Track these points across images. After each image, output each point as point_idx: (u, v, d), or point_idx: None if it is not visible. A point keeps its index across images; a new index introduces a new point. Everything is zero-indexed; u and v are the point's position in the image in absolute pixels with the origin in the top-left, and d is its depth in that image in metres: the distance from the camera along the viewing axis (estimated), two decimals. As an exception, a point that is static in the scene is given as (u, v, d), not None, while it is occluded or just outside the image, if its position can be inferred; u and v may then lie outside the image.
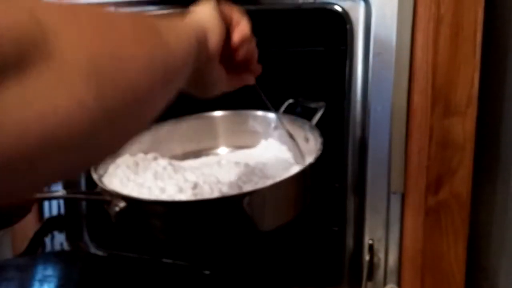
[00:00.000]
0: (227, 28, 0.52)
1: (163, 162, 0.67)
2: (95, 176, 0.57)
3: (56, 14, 0.24)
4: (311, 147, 0.64)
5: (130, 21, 0.33)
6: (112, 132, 0.28)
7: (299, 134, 0.68)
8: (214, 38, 0.48)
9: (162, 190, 0.59)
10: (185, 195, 0.57)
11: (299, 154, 0.64)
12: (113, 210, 0.51)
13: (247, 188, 0.58)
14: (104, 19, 0.29)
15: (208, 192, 0.58)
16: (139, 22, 0.34)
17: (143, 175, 0.62)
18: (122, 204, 0.51)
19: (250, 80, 0.61)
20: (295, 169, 0.63)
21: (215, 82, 0.52)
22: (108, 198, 0.52)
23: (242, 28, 0.54)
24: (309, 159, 0.59)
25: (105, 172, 0.62)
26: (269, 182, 0.58)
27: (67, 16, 0.25)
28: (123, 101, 0.28)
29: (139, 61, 0.30)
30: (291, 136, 0.67)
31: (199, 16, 0.48)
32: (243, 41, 0.54)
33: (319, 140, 0.61)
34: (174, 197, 0.57)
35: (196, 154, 0.75)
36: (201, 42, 0.45)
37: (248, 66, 0.58)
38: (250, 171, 0.63)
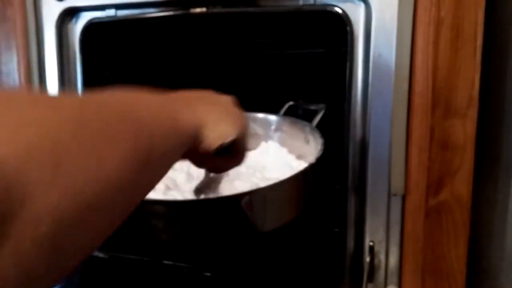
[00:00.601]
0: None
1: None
2: None
3: (31, 171, 0.22)
4: (312, 148, 0.64)
5: (123, 140, 0.29)
6: (61, 273, 0.26)
7: (299, 135, 0.69)
8: (208, 141, 0.44)
9: (164, 193, 0.59)
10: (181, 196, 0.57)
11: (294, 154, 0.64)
12: None
13: (247, 189, 0.58)
14: (92, 151, 0.26)
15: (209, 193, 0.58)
16: (130, 150, 0.30)
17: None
18: None
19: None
20: (296, 170, 0.63)
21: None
22: None
23: (237, 160, 0.51)
24: (311, 159, 0.59)
25: None
26: (269, 183, 0.59)
27: (43, 169, 0.22)
28: (80, 247, 0.26)
29: (118, 200, 0.28)
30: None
31: (202, 116, 0.44)
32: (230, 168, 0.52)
33: (320, 141, 0.62)
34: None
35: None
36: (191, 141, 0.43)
37: None
38: (250, 173, 0.63)
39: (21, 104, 0.24)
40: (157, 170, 0.35)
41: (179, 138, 0.40)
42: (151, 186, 0.35)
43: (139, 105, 0.36)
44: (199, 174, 0.64)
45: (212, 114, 0.44)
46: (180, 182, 0.63)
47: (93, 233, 0.27)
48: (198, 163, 0.49)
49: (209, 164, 0.50)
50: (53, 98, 0.28)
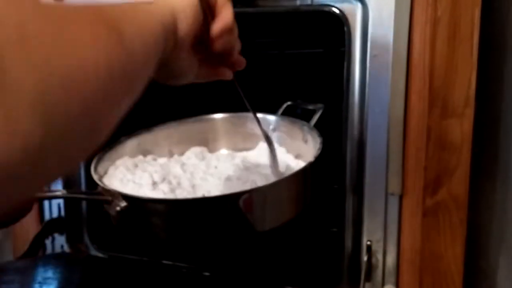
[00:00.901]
0: (207, 13, 0.47)
1: (162, 162, 0.68)
2: (95, 176, 0.57)
3: (3, 37, 0.21)
4: (310, 147, 0.64)
5: (87, 25, 0.29)
6: (63, 155, 0.26)
7: (298, 135, 0.69)
8: (185, 25, 0.43)
9: (163, 192, 0.59)
10: (182, 195, 0.57)
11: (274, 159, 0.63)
12: (114, 210, 0.51)
13: (246, 188, 0.58)
14: (58, 29, 0.25)
15: (206, 192, 0.58)
16: (98, 23, 0.30)
17: (142, 176, 0.62)
18: (123, 203, 0.51)
19: (227, 74, 0.55)
20: (294, 169, 0.63)
21: (183, 71, 0.48)
22: (109, 197, 0.52)
23: (224, 16, 0.48)
24: (309, 159, 0.59)
25: (105, 173, 0.63)
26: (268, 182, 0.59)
27: (12, 44, 0.22)
28: (76, 120, 0.26)
29: (95, 76, 0.27)
30: (268, 138, 0.66)
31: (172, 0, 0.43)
32: (223, 31, 0.48)
33: (318, 140, 0.62)
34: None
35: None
36: (169, 29, 0.41)
37: (227, 59, 0.53)
38: (249, 172, 0.64)
39: None
40: (140, 48, 0.34)
41: (155, 32, 0.38)
42: (138, 78, 0.34)
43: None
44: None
45: None
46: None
47: (85, 93, 0.26)
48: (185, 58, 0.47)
49: (195, 55, 0.48)
50: None
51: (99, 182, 0.56)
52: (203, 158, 0.72)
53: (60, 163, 0.26)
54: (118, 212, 0.51)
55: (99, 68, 0.27)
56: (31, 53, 0.23)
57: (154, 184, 0.60)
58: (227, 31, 0.48)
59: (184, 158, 0.72)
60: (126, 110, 0.34)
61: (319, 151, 0.59)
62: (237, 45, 0.52)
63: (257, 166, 0.68)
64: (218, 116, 0.79)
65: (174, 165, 0.67)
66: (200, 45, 0.47)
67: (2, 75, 0.21)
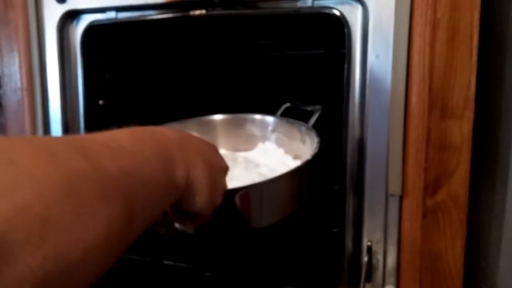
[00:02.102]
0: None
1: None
2: None
3: (19, 232, 0.22)
4: (308, 148, 0.65)
5: (108, 210, 0.29)
6: None
7: (296, 136, 0.69)
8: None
9: None
10: None
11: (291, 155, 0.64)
12: None
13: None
14: (79, 216, 0.26)
15: None
16: (118, 207, 0.30)
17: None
18: None
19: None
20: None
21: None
22: None
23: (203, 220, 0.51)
24: (306, 158, 0.59)
25: None
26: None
27: (31, 232, 0.23)
28: None
29: (97, 265, 0.28)
30: None
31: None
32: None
33: (316, 140, 0.62)
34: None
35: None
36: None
37: None
38: (248, 172, 0.64)
39: (16, 158, 0.25)
40: (145, 223, 0.36)
41: (171, 196, 0.41)
42: (135, 238, 0.35)
43: (135, 161, 0.35)
44: None
45: (204, 181, 0.45)
46: None
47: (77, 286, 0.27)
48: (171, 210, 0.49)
49: (176, 219, 0.51)
50: (50, 148, 0.28)
51: None
52: None
53: None
54: None
55: (102, 259, 0.29)
56: (45, 251, 0.23)
57: None
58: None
59: None
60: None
61: (316, 150, 0.60)
62: None
63: (257, 166, 0.68)
64: (217, 117, 0.80)
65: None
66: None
67: (13, 266, 0.22)
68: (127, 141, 0.36)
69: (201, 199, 0.45)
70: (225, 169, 0.52)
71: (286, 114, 0.77)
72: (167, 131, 0.44)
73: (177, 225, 0.53)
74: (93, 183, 0.28)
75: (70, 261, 0.25)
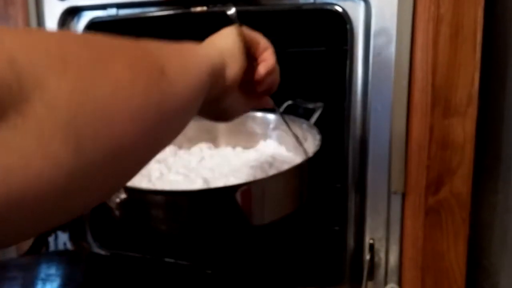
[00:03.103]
0: (252, 55, 0.50)
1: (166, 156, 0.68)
2: None
3: (40, 61, 0.22)
4: (310, 145, 0.64)
5: (128, 59, 0.29)
6: (93, 188, 0.26)
7: (297, 133, 0.69)
8: (233, 71, 0.45)
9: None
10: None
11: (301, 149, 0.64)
12: (114, 202, 0.51)
13: None
14: (98, 61, 0.26)
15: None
16: (141, 61, 0.30)
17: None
18: (123, 195, 0.51)
19: (269, 103, 0.58)
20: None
21: (232, 109, 0.50)
22: None
23: (268, 59, 0.52)
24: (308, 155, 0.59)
25: None
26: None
27: (52, 62, 0.23)
28: (106, 157, 0.25)
29: (129, 111, 0.27)
30: (294, 134, 0.67)
31: (220, 45, 0.45)
32: (267, 74, 0.52)
33: (317, 137, 0.62)
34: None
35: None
36: (217, 75, 0.42)
37: (270, 92, 0.56)
38: (250, 168, 0.64)
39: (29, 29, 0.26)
40: (174, 118, 0.34)
41: (200, 76, 0.39)
42: (177, 119, 0.34)
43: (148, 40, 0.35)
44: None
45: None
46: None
47: (117, 130, 0.26)
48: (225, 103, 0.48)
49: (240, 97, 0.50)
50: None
51: None
52: (210, 154, 0.72)
53: (83, 200, 0.26)
54: (118, 204, 0.51)
55: (134, 107, 0.27)
56: (71, 80, 0.23)
57: (161, 175, 0.61)
58: (271, 73, 0.52)
59: (191, 151, 0.72)
60: (163, 147, 0.34)
61: (317, 148, 0.60)
62: (278, 81, 0.56)
63: (259, 162, 0.68)
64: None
65: (180, 159, 0.68)
66: (245, 84, 0.50)
67: (42, 91, 0.21)
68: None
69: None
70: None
71: (287, 112, 0.76)
72: None
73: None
74: (106, 46, 0.29)
75: (96, 98, 0.24)
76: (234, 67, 0.45)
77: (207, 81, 0.39)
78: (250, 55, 0.50)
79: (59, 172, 0.22)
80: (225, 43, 0.46)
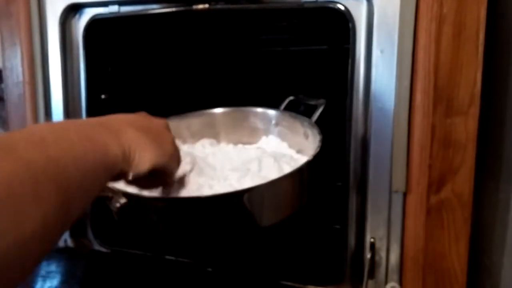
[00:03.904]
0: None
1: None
2: None
3: None
4: (311, 143, 0.64)
5: (44, 208, 0.31)
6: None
7: (299, 130, 0.69)
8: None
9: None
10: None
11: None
12: (115, 206, 0.51)
13: (246, 183, 0.58)
14: (13, 217, 0.28)
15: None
16: (55, 203, 0.32)
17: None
18: (123, 200, 0.51)
19: None
20: (298, 161, 0.63)
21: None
22: (109, 194, 0.53)
23: (163, 181, 0.55)
24: (309, 155, 0.59)
25: None
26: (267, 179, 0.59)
27: None
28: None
29: (32, 238, 0.29)
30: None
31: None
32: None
33: (318, 138, 0.62)
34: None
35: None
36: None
37: None
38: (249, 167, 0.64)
39: None
40: (83, 203, 0.37)
41: (108, 171, 0.41)
42: (75, 219, 0.36)
43: (61, 148, 0.36)
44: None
45: (141, 139, 0.46)
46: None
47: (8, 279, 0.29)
48: (128, 183, 0.51)
49: (138, 184, 0.53)
50: None
51: None
52: (212, 149, 0.72)
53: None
54: (118, 208, 0.51)
55: (36, 246, 0.30)
56: None
57: None
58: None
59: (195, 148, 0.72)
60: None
61: (318, 149, 0.60)
62: None
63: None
64: (220, 110, 0.79)
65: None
66: None
67: None
68: (47, 132, 0.36)
69: (148, 155, 0.46)
70: (163, 124, 0.53)
71: (289, 108, 0.76)
72: (83, 119, 0.45)
73: (145, 193, 0.55)
74: (25, 183, 0.30)
75: (8, 259, 0.27)
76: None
77: (111, 176, 0.42)
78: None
79: None
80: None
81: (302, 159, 0.64)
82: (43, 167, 0.32)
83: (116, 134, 0.43)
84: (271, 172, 0.60)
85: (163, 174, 0.51)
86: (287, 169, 0.60)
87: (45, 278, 0.80)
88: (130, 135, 0.44)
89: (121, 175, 0.45)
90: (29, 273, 0.32)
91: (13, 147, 0.31)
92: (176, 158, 0.53)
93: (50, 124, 0.40)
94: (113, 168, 0.42)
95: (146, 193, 0.56)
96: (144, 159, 0.45)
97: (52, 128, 0.38)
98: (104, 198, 0.53)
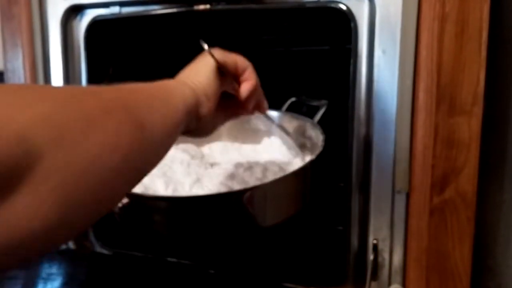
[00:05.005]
0: (233, 76, 0.52)
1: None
2: None
3: (43, 135, 0.26)
4: (313, 144, 0.64)
5: (114, 122, 0.32)
6: (74, 228, 0.30)
7: (301, 131, 0.68)
8: (206, 109, 0.48)
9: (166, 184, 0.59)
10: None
11: (294, 150, 0.64)
12: (117, 206, 0.51)
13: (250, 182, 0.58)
14: (88, 126, 0.30)
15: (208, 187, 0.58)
16: (124, 120, 0.34)
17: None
18: (125, 200, 0.51)
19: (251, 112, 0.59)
20: (297, 165, 0.63)
21: (208, 127, 0.53)
22: None
23: (249, 79, 0.54)
24: (310, 156, 0.59)
25: None
26: (270, 178, 0.59)
27: (53, 134, 0.27)
28: (90, 205, 0.30)
29: (114, 167, 0.31)
30: (286, 132, 0.66)
31: (194, 83, 0.48)
32: (251, 94, 0.54)
33: (321, 138, 0.62)
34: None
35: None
36: (192, 113, 0.45)
37: (259, 108, 0.58)
38: (250, 166, 0.64)
39: (30, 88, 0.31)
40: (161, 128, 0.39)
41: (177, 118, 0.42)
42: (153, 146, 0.37)
43: (131, 90, 0.40)
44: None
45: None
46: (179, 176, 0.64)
47: (102, 184, 0.30)
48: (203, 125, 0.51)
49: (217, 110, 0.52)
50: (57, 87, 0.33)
51: None
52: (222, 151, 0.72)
53: (69, 233, 0.30)
54: (120, 208, 0.51)
55: (117, 160, 0.31)
56: (65, 150, 0.27)
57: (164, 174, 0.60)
58: (254, 92, 0.54)
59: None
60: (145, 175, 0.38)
61: (321, 149, 0.59)
62: (263, 95, 0.58)
63: (260, 161, 0.68)
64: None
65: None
66: (226, 100, 0.52)
67: (41, 162, 0.26)
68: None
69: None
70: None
71: (292, 109, 0.76)
72: None
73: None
74: (95, 103, 0.32)
75: (86, 161, 0.29)
76: (207, 105, 0.48)
77: (182, 121, 0.43)
78: (231, 75, 0.52)
79: (45, 227, 0.27)
80: (198, 80, 0.48)
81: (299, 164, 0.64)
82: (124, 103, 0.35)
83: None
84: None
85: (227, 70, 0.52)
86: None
87: (46, 280, 0.80)
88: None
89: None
90: (111, 207, 0.34)
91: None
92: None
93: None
94: (188, 101, 0.44)
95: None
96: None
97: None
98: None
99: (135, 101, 0.37)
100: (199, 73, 0.49)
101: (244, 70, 0.54)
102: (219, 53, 0.52)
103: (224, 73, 0.51)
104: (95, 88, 0.35)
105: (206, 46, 0.51)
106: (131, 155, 0.33)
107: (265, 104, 0.59)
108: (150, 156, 0.37)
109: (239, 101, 0.54)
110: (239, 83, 0.54)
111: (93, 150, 0.29)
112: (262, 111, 0.59)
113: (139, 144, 0.34)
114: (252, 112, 0.58)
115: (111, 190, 0.32)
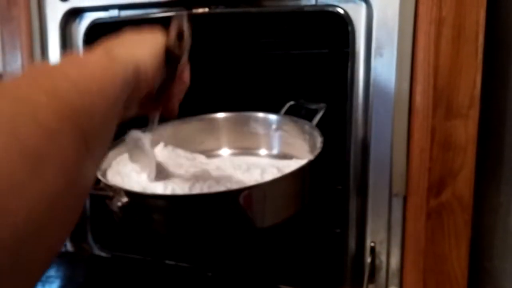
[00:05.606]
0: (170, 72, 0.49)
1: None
2: (98, 172, 0.58)
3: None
4: (312, 146, 0.64)
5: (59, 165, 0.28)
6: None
7: (299, 134, 0.69)
8: (143, 89, 0.44)
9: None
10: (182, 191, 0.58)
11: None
12: (116, 205, 0.51)
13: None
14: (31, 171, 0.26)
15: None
16: (69, 141, 0.29)
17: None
18: (124, 199, 0.51)
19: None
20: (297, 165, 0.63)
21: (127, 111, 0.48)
22: (110, 193, 0.52)
23: (185, 78, 0.52)
24: (310, 157, 0.59)
25: (109, 166, 0.63)
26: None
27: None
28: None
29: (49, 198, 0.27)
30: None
31: (137, 58, 0.44)
32: (182, 92, 0.53)
33: (319, 139, 0.62)
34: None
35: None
36: (130, 84, 0.41)
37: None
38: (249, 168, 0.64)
39: None
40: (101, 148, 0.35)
41: (118, 87, 0.39)
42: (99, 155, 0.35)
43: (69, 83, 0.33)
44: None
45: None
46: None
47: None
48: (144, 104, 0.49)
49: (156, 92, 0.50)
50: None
51: (101, 178, 0.56)
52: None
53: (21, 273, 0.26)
54: (119, 207, 0.51)
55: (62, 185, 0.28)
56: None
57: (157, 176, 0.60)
58: (185, 91, 0.53)
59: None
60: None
61: (319, 150, 0.60)
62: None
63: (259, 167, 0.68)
64: (221, 115, 0.79)
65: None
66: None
67: None
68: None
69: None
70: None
71: (290, 113, 0.76)
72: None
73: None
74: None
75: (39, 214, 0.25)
76: (144, 85, 0.44)
77: (122, 99, 0.39)
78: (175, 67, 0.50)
79: None
80: (143, 55, 0.45)
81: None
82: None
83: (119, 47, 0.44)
84: None
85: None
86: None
87: (44, 282, 0.80)
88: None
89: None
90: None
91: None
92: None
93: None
94: (124, 80, 0.40)
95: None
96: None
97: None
98: (105, 197, 0.53)
99: (75, 106, 0.31)
100: (147, 49, 0.46)
101: (183, 69, 0.52)
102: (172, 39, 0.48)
103: (170, 60, 0.48)
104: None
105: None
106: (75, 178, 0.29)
107: (176, 111, 0.56)
108: (93, 171, 0.33)
109: (165, 98, 0.51)
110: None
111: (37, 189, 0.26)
112: (173, 116, 0.56)
113: (84, 167, 0.31)
114: (172, 114, 0.55)
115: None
